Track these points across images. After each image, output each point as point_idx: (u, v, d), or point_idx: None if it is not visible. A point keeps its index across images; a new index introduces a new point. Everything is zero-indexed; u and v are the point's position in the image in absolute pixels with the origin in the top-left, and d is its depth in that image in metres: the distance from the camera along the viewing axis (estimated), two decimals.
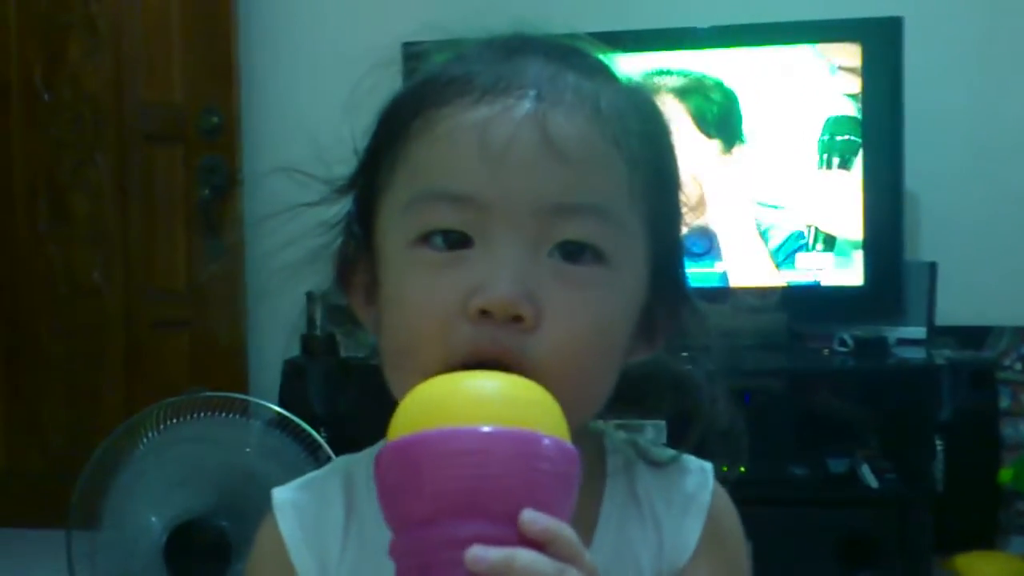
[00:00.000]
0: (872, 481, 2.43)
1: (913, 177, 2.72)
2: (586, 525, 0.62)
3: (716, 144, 2.72)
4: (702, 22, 2.81)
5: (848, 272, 2.67)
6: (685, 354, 0.80)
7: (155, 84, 3.32)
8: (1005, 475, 2.72)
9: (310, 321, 2.79)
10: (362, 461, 0.81)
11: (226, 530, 2.07)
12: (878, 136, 2.65)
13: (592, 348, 0.69)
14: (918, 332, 2.69)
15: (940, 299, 2.76)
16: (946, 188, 2.90)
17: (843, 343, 2.64)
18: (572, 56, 0.74)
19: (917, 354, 2.63)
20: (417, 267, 0.69)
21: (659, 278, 0.75)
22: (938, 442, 2.50)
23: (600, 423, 0.82)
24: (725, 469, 1.99)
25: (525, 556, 0.57)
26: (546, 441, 0.59)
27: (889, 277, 2.67)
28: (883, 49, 2.64)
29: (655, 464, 0.81)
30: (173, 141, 3.31)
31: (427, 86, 0.72)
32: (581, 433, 0.68)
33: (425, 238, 0.69)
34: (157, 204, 3.36)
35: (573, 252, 0.68)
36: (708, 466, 0.81)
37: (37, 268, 3.41)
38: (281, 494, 0.81)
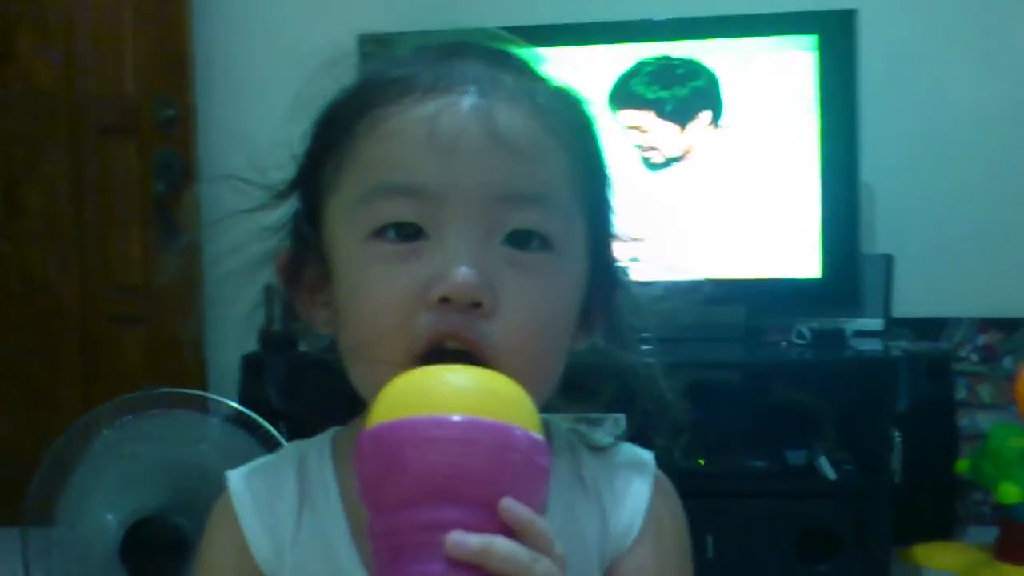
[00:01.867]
0: (830, 473, 2.44)
1: (869, 169, 2.74)
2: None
3: (675, 128, 2.73)
4: (659, 14, 2.82)
5: (805, 264, 2.69)
6: (627, 343, 0.83)
7: (107, 76, 3.29)
8: (962, 466, 2.75)
9: (268, 315, 2.77)
10: (314, 446, 0.84)
11: (183, 527, 2.06)
12: (834, 128, 2.67)
13: (545, 331, 0.73)
14: (875, 324, 2.72)
15: (897, 291, 2.79)
16: (902, 180, 2.92)
17: (800, 335, 2.65)
18: (505, 59, 0.77)
19: (874, 346, 2.65)
20: (373, 261, 0.71)
21: (595, 267, 0.79)
22: (896, 434, 2.52)
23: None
24: (702, 463, 2.00)
25: (502, 544, 0.59)
26: (519, 433, 0.62)
27: (846, 269, 2.68)
28: (838, 41, 2.66)
29: (596, 449, 0.84)
30: (127, 133, 3.27)
31: (368, 87, 0.75)
32: None
33: (379, 232, 0.71)
34: (112, 198, 3.33)
35: (522, 240, 0.72)
36: (648, 454, 0.84)
37: None
38: (236, 479, 0.83)
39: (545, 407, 0.81)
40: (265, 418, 2.14)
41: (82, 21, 3.28)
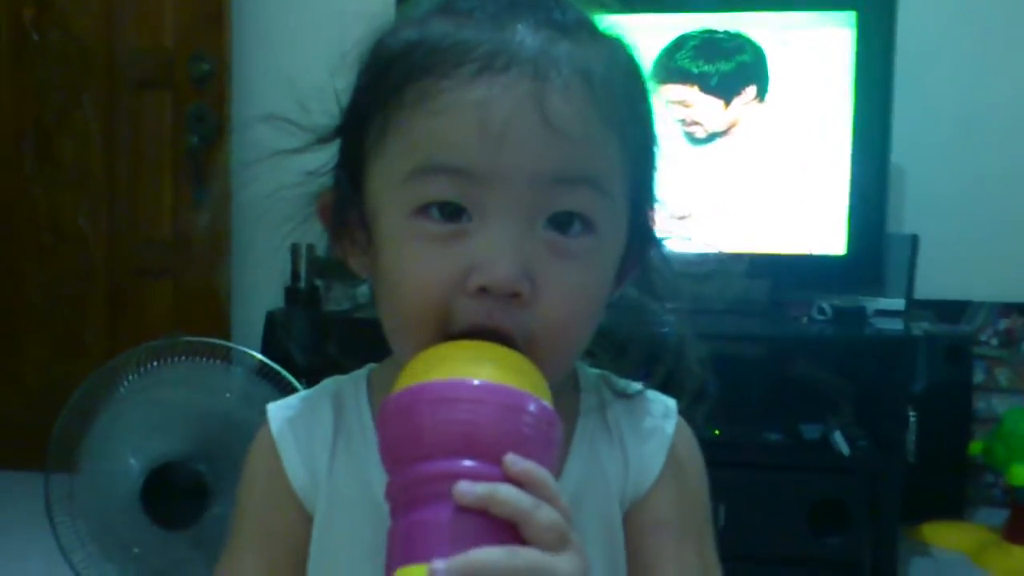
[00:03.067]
0: (844, 448, 2.45)
1: (900, 149, 2.73)
2: (563, 442, 0.69)
3: (719, 103, 2.73)
4: None
5: (831, 241, 2.69)
6: (658, 295, 0.84)
7: (145, 29, 3.31)
8: (975, 448, 2.77)
9: (294, 273, 2.80)
10: (350, 381, 0.86)
11: (204, 474, 2.08)
12: (868, 107, 2.65)
13: (582, 315, 0.74)
14: (897, 304, 2.71)
15: (921, 272, 2.78)
16: (932, 162, 2.92)
17: (821, 311, 2.66)
18: (558, 12, 0.75)
19: (894, 325, 2.64)
20: (416, 240, 0.72)
21: (632, 228, 0.79)
22: (911, 413, 2.52)
23: None
24: (718, 433, 2.00)
25: (506, 490, 0.61)
26: (530, 401, 0.65)
27: (870, 248, 2.67)
28: (877, 19, 2.63)
29: (624, 396, 0.85)
30: (162, 87, 3.30)
31: (419, 51, 0.73)
32: None
33: (423, 209, 0.71)
34: (144, 150, 3.35)
35: (564, 223, 0.72)
36: (672, 402, 0.86)
37: (21, 212, 3.41)
38: (275, 410, 0.86)
39: None
40: (287, 373, 2.16)
41: None
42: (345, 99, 0.79)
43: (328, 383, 0.88)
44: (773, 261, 2.68)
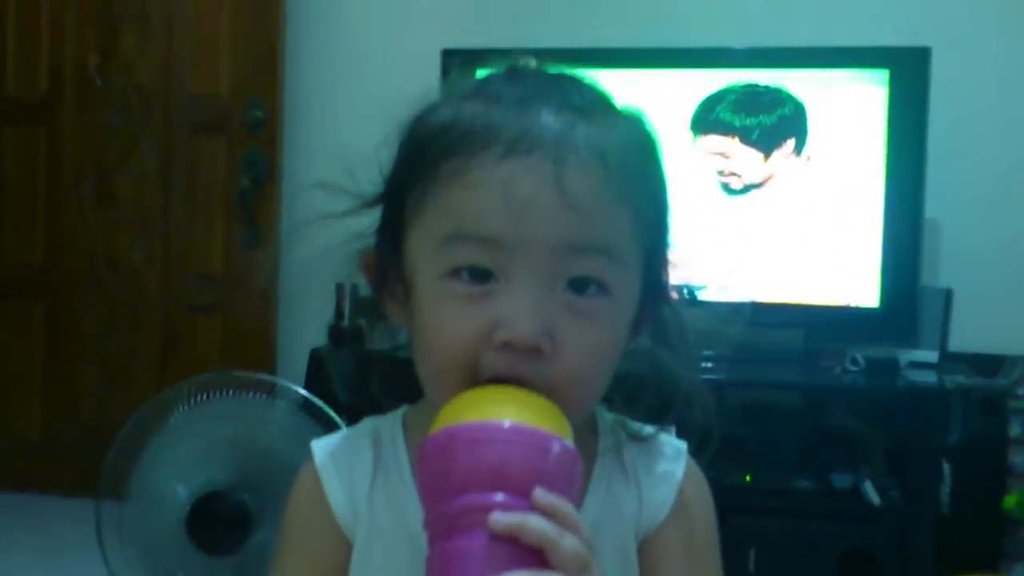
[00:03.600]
0: (875, 498, 2.47)
1: (935, 204, 2.77)
2: (582, 479, 0.75)
3: (758, 155, 2.79)
4: (737, 43, 2.88)
5: (864, 294, 2.73)
6: (671, 345, 0.90)
7: (202, 77, 3.42)
8: (1009, 502, 2.75)
9: (338, 311, 2.87)
10: (387, 421, 0.93)
11: (246, 503, 2.15)
12: (901, 162, 2.70)
13: (598, 368, 0.81)
14: (930, 356, 2.74)
15: (957, 326, 2.80)
16: (967, 216, 2.94)
17: (854, 362, 2.69)
18: (577, 95, 0.83)
19: (927, 377, 2.67)
20: (448, 300, 0.79)
21: (646, 287, 0.86)
22: (946, 465, 2.54)
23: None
24: (749, 479, 2.05)
25: (535, 520, 0.68)
26: (555, 441, 0.72)
27: (904, 301, 2.72)
28: (910, 77, 2.70)
29: (638, 439, 0.92)
30: (217, 132, 3.40)
31: (453, 131, 0.81)
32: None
33: (455, 272, 0.79)
34: (198, 192, 3.45)
35: (581, 285, 0.79)
36: (682, 444, 0.93)
37: (80, 248, 3.52)
38: (319, 446, 0.93)
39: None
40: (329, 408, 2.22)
41: (181, 23, 3.43)
42: (387, 170, 0.87)
43: (367, 423, 0.94)
44: (807, 312, 2.72)
